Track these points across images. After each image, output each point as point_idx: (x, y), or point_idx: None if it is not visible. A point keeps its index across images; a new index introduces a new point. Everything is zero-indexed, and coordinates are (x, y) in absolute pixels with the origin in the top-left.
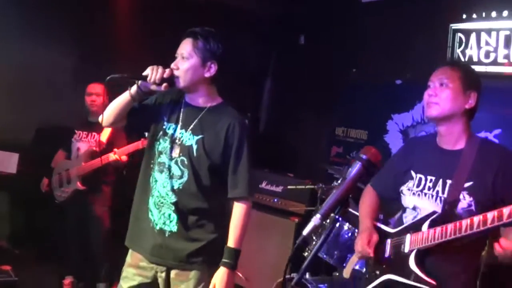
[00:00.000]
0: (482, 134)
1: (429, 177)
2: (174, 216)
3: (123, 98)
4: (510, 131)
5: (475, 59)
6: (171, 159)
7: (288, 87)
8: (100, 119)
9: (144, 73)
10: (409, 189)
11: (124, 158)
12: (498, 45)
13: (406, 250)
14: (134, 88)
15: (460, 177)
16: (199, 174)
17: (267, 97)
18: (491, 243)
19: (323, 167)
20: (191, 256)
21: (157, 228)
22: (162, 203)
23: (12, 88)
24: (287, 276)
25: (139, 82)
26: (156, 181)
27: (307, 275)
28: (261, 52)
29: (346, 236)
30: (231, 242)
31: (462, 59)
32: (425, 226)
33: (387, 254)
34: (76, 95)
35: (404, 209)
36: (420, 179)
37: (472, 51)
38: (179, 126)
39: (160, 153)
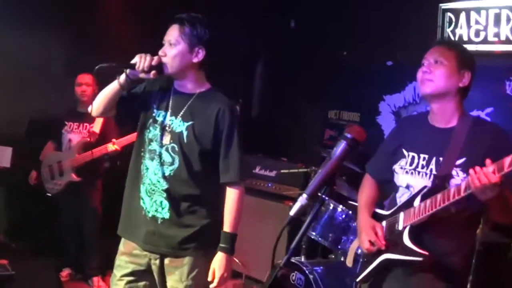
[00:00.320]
0: (474, 113)
1: (422, 155)
2: (166, 203)
3: (112, 87)
4: (501, 109)
5: (465, 38)
6: (161, 146)
7: (280, 72)
8: (89, 109)
9: (132, 61)
10: (401, 168)
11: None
12: (488, 24)
13: (400, 227)
14: (122, 77)
15: (452, 154)
16: (190, 161)
17: (259, 82)
18: (485, 221)
19: (316, 150)
20: (184, 243)
21: (149, 215)
22: (153, 190)
23: (2, 80)
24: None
25: (128, 70)
26: (147, 168)
27: (303, 258)
28: (252, 37)
29: (340, 218)
30: (226, 227)
31: (453, 39)
32: (416, 201)
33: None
34: (65, 86)
35: (397, 188)
36: (413, 157)
37: (462, 30)
38: (168, 113)
39: (151, 140)
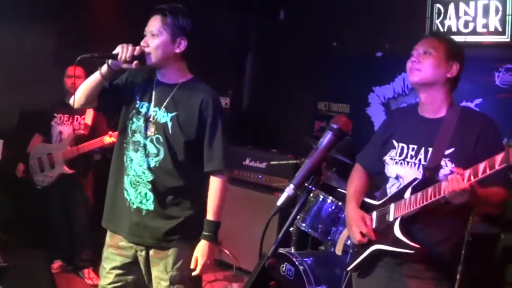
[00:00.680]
0: (463, 104)
1: (411, 146)
2: (150, 195)
3: (94, 78)
4: (490, 100)
5: (454, 29)
6: (146, 137)
7: (270, 64)
8: (71, 100)
9: (114, 52)
10: (391, 158)
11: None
12: (476, 15)
13: (391, 219)
14: (104, 68)
15: (441, 144)
16: (175, 151)
17: (249, 74)
18: (475, 211)
19: (306, 142)
20: (168, 234)
21: (134, 207)
22: (138, 182)
23: None
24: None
25: (110, 61)
26: (131, 160)
27: (293, 250)
28: (241, 29)
29: (329, 209)
30: (210, 215)
31: (441, 30)
32: (407, 193)
33: (373, 225)
34: (55, 78)
35: (387, 179)
36: (402, 148)
37: (451, 21)
38: (152, 104)
39: (134, 132)
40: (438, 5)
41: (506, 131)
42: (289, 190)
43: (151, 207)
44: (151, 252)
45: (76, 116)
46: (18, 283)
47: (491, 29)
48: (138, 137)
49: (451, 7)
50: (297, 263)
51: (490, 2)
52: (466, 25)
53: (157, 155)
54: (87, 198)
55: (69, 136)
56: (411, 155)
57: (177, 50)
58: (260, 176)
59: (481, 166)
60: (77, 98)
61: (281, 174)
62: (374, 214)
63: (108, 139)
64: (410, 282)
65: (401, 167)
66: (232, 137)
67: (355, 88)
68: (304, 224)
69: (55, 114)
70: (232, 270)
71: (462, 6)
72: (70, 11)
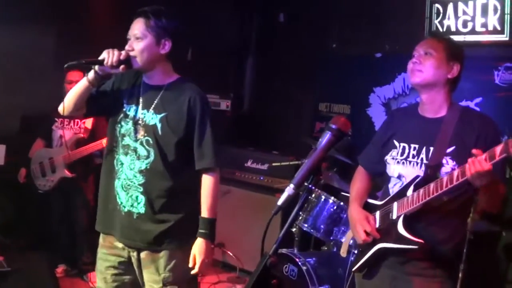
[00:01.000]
0: (463, 103)
1: (412, 145)
2: (141, 198)
3: (81, 85)
4: (490, 99)
5: (453, 29)
6: (136, 140)
7: (270, 65)
8: (60, 108)
9: (100, 57)
10: (393, 158)
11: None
12: (475, 14)
13: (394, 217)
14: (91, 74)
15: (442, 143)
16: (165, 152)
17: (250, 76)
18: (475, 210)
19: (307, 143)
20: (159, 238)
21: (125, 210)
22: (129, 185)
23: None
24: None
25: (96, 66)
26: (122, 164)
27: (295, 250)
28: (242, 31)
29: (331, 209)
30: (204, 213)
31: (440, 30)
32: (409, 191)
33: (377, 225)
34: (55, 81)
35: (389, 179)
36: (404, 147)
37: (450, 21)
38: (140, 107)
39: (123, 136)
40: (437, 5)
41: (506, 129)
42: (289, 189)
43: (142, 210)
44: (142, 254)
45: (76, 120)
46: (21, 287)
47: (490, 28)
48: (127, 140)
49: (450, 7)
50: (300, 263)
51: (488, 2)
52: (465, 24)
53: (147, 157)
54: (88, 201)
55: (70, 140)
56: (413, 154)
57: (162, 52)
58: (261, 178)
59: (498, 149)
60: (66, 106)
61: (282, 176)
62: (377, 213)
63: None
64: (413, 280)
65: (403, 167)
66: (233, 138)
67: (355, 89)
68: (306, 225)
69: (56, 118)
70: (236, 272)
71: (460, 5)
72: (69, 13)
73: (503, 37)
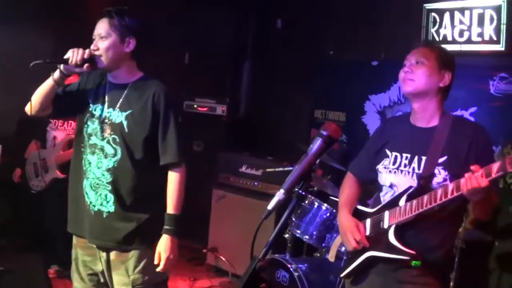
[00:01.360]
0: (458, 112)
1: (404, 155)
2: (110, 196)
3: (47, 85)
4: (485, 108)
5: (449, 38)
6: (103, 139)
7: (266, 71)
8: (27, 108)
9: (65, 57)
10: (385, 167)
11: None
12: (471, 24)
13: (385, 226)
14: (56, 73)
15: (434, 153)
16: (133, 150)
17: (246, 82)
18: (467, 219)
19: (301, 149)
20: (129, 236)
21: (95, 209)
22: (98, 184)
23: None
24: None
25: (61, 66)
26: (89, 163)
27: (287, 256)
28: (239, 36)
29: (324, 216)
30: (170, 209)
31: (437, 39)
32: (402, 201)
33: (367, 232)
34: None
35: (380, 188)
36: (396, 156)
37: (446, 31)
38: (106, 106)
39: (90, 135)
40: (433, 14)
41: (500, 139)
42: (280, 194)
43: (111, 208)
44: (112, 255)
45: (70, 121)
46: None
47: (486, 38)
48: (94, 139)
49: (446, 16)
50: (291, 269)
51: (485, 11)
52: (461, 34)
53: (114, 155)
54: None
55: (62, 141)
56: (405, 163)
57: (127, 50)
58: (256, 183)
59: (495, 167)
60: (32, 105)
61: (276, 181)
62: (368, 221)
63: None
64: (405, 287)
65: (395, 176)
66: (229, 144)
67: (351, 96)
68: (299, 231)
69: (50, 120)
70: (228, 277)
71: (457, 15)
72: (66, 15)
73: (499, 47)
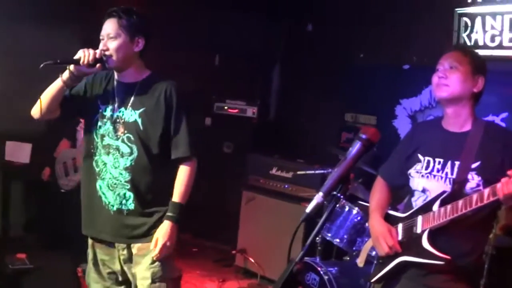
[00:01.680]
0: (490, 118)
1: (437, 159)
2: (130, 194)
3: (56, 86)
4: None
5: (480, 43)
6: (117, 139)
7: (297, 74)
8: (33, 111)
9: (76, 57)
10: (417, 172)
11: None
12: (503, 29)
13: (419, 231)
14: (66, 74)
15: (467, 158)
16: (149, 146)
17: (276, 85)
18: (497, 225)
19: (332, 152)
20: (151, 229)
21: (114, 209)
22: (115, 184)
23: (23, 77)
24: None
25: (72, 66)
26: (104, 164)
27: (318, 259)
28: (269, 39)
29: (355, 220)
30: (175, 197)
31: (468, 44)
32: (435, 206)
33: (399, 237)
34: None
35: (412, 193)
36: (429, 161)
37: (477, 35)
38: (116, 106)
39: (103, 136)
40: (465, 18)
41: None
42: (318, 197)
43: (131, 206)
44: (134, 249)
45: None
46: (43, 285)
47: None
48: (108, 140)
49: (478, 21)
50: (321, 272)
51: None
52: (492, 39)
53: (130, 153)
54: None
55: None
56: (438, 168)
57: (136, 49)
58: (286, 186)
59: None
60: (38, 109)
61: (307, 184)
62: (400, 226)
63: None
64: None
65: (427, 180)
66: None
67: (382, 100)
68: (329, 234)
69: (81, 119)
70: (257, 279)
71: (488, 20)
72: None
73: None
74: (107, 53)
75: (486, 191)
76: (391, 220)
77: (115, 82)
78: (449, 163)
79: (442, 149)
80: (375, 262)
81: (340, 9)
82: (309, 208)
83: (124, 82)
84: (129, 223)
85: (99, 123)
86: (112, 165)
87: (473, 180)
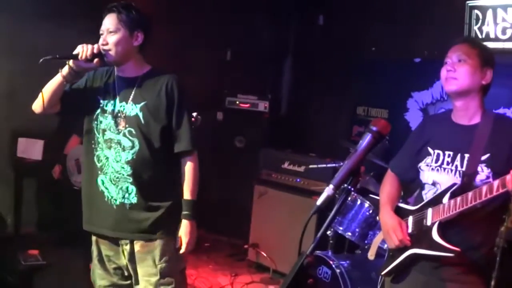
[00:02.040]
0: (501, 110)
1: (447, 152)
2: (132, 188)
3: (56, 81)
4: None
5: (492, 35)
6: (118, 132)
7: (309, 68)
8: (35, 106)
9: (75, 52)
10: (427, 165)
11: None
12: None
13: (429, 223)
14: (65, 69)
15: (477, 150)
16: (150, 140)
17: (288, 79)
18: (508, 218)
19: (344, 145)
20: (154, 225)
21: (117, 203)
22: (118, 178)
23: (35, 75)
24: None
25: (71, 62)
26: (107, 158)
27: (330, 253)
28: (280, 33)
29: (367, 213)
30: (187, 195)
31: (479, 36)
32: (445, 199)
33: (410, 230)
34: None
35: (422, 186)
36: (438, 154)
37: (489, 28)
38: (117, 100)
39: (104, 130)
40: (476, 11)
41: None
42: (329, 190)
43: (134, 200)
44: (137, 247)
45: None
46: (55, 281)
47: None
48: (109, 134)
49: (489, 13)
50: (333, 266)
51: None
52: (504, 31)
53: (132, 147)
54: None
55: None
56: (447, 161)
57: (136, 43)
58: (298, 180)
59: None
60: (40, 103)
61: (319, 178)
62: (410, 219)
63: None
64: (447, 285)
65: (437, 174)
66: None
67: (393, 93)
68: (341, 228)
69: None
70: (269, 273)
71: (500, 12)
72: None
73: None
74: (106, 47)
75: (496, 182)
76: (401, 213)
77: (115, 77)
78: (458, 156)
79: (452, 142)
80: (385, 255)
81: (351, 3)
82: (320, 200)
83: (125, 76)
84: (132, 217)
85: (100, 118)
86: (114, 159)
87: (483, 172)
